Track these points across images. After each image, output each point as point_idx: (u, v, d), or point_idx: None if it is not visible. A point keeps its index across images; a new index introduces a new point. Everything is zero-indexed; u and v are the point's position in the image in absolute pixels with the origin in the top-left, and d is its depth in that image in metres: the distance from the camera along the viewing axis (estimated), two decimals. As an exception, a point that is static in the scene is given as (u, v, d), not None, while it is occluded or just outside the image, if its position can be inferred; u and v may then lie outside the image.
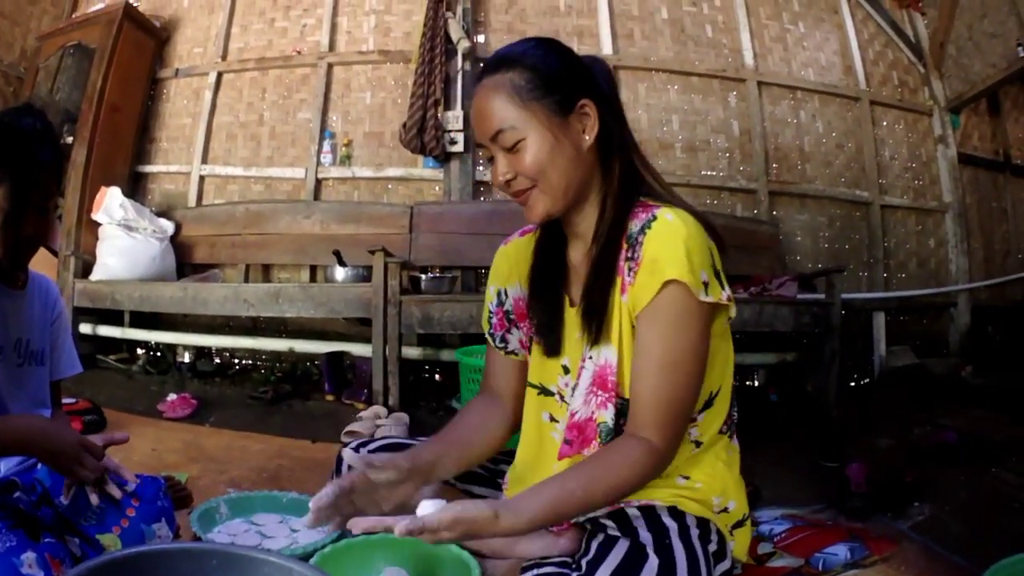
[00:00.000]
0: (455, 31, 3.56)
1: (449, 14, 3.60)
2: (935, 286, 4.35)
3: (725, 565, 1.02)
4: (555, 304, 1.11)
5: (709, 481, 1.03)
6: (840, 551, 1.33)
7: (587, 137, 1.02)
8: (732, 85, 4.02)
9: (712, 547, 0.99)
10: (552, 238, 1.13)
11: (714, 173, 3.91)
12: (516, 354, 1.22)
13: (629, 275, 0.98)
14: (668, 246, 0.94)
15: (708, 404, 1.04)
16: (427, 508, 0.96)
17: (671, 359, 0.95)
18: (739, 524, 1.07)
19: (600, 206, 1.05)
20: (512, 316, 1.21)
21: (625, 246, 1.00)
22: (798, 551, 1.34)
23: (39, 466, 1.23)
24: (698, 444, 1.05)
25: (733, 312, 1.01)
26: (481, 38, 3.73)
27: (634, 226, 1.00)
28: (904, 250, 4.39)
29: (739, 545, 1.07)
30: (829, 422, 3.03)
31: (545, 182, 1.00)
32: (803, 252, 4.08)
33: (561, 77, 1.00)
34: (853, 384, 3.96)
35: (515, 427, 1.22)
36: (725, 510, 1.05)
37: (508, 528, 0.88)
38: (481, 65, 1.07)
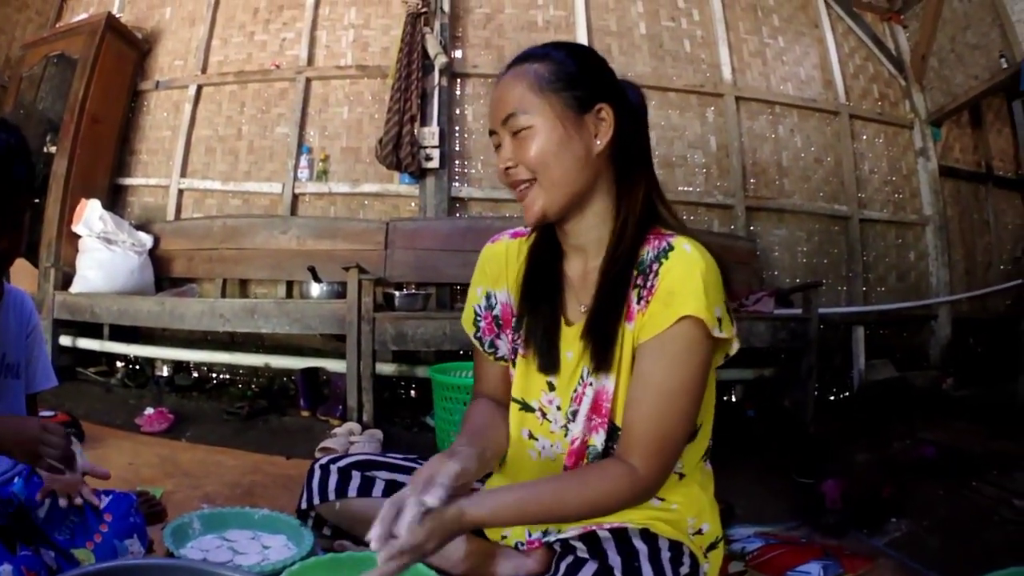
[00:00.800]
0: (432, 46, 3.57)
1: (427, 29, 3.61)
2: (916, 299, 4.36)
3: None
4: (552, 321, 1.08)
5: (685, 503, 1.03)
6: (813, 569, 1.32)
7: (598, 141, 1.00)
8: (710, 100, 4.03)
9: (684, 570, 0.98)
10: (547, 247, 1.11)
11: (691, 189, 3.92)
12: (506, 360, 1.18)
13: (639, 303, 0.97)
14: (686, 280, 0.93)
15: (691, 437, 1.04)
16: (404, 520, 0.93)
17: (669, 389, 0.95)
18: (712, 546, 1.07)
19: (613, 224, 1.03)
20: (500, 322, 1.18)
21: (635, 272, 0.98)
22: (770, 570, 1.33)
23: (15, 480, 1.25)
24: (680, 476, 1.05)
25: (735, 348, 1.00)
26: (459, 53, 3.74)
27: (647, 253, 0.98)
28: (884, 263, 4.40)
29: (712, 568, 1.07)
30: (806, 438, 3.04)
31: (546, 177, 0.98)
32: (781, 267, 4.10)
33: (585, 76, 1.00)
34: (832, 398, 3.98)
35: None
36: (699, 532, 1.05)
37: (473, 521, 0.89)
38: (510, 60, 1.06)
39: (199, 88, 3.92)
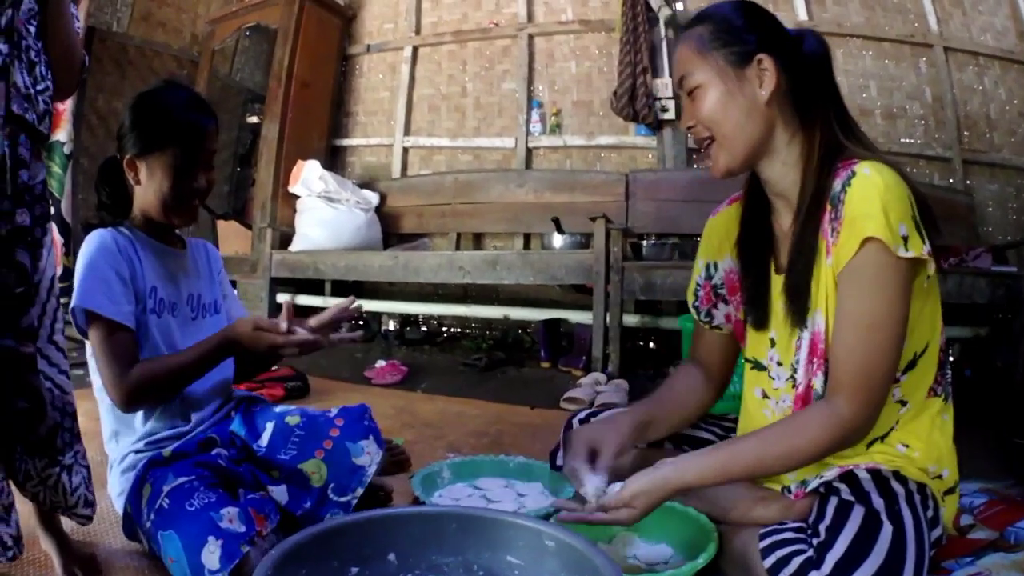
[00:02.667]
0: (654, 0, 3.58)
1: (647, -18, 3.62)
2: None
3: (937, 532, 1.02)
4: (762, 275, 1.11)
5: (927, 449, 1.03)
6: None
7: (763, 91, 1.02)
8: (921, 51, 3.98)
9: (929, 513, 0.99)
10: (757, 205, 1.13)
11: (912, 141, 3.88)
12: (720, 328, 1.24)
13: (833, 236, 0.97)
14: (865, 202, 0.93)
15: (911, 365, 1.02)
16: (593, 482, 1.03)
17: (868, 321, 0.93)
18: (950, 491, 1.07)
19: (803, 166, 1.04)
20: (721, 290, 1.21)
21: (829, 207, 0.99)
22: (993, 524, 1.35)
23: (233, 416, 1.27)
24: (903, 404, 1.03)
25: (932, 269, 0.96)
26: (680, 6, 3.74)
27: (836, 185, 0.98)
28: (1089, 222, 4.30)
29: (948, 512, 1.07)
30: (1018, 398, 3.00)
31: (720, 132, 1.03)
32: (994, 223, 4.03)
33: (741, 31, 1.04)
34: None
35: (719, 394, 1.27)
36: (939, 477, 1.04)
37: (677, 487, 0.95)
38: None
39: (415, 49, 3.97)
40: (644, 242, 3.26)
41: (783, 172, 1.06)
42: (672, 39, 3.62)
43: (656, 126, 3.56)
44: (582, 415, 1.30)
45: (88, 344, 1.17)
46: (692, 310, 1.26)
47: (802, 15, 3.79)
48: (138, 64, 4.35)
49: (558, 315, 3.37)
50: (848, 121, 1.06)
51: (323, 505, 1.13)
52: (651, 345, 3.63)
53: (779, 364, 1.10)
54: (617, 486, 1.00)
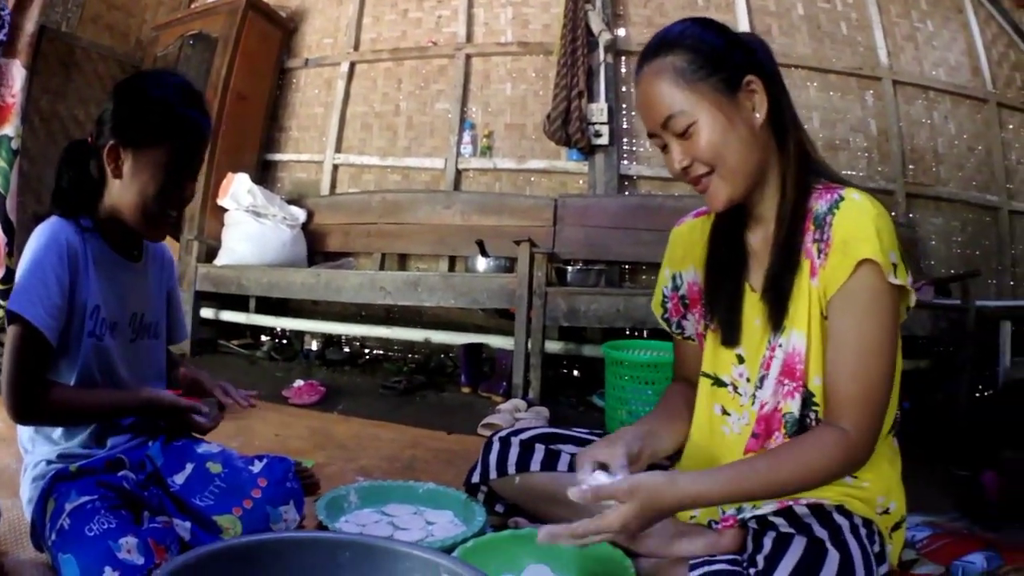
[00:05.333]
0: (596, 23, 3.52)
1: (588, 6, 3.56)
2: (1059, 295, 4.20)
3: (884, 569, 0.98)
4: (734, 291, 1.07)
5: (876, 480, 1.00)
6: (977, 560, 1.33)
7: (758, 115, 0.98)
8: (868, 83, 3.94)
9: (875, 548, 0.96)
10: (730, 221, 1.09)
11: (854, 173, 3.82)
12: (693, 339, 1.20)
13: (820, 257, 0.95)
14: (859, 226, 0.91)
15: None
16: (600, 479, 0.95)
17: (867, 346, 0.92)
18: (897, 526, 1.04)
19: (780, 186, 1.01)
20: (687, 301, 1.18)
21: (812, 227, 0.97)
22: (939, 558, 1.35)
23: (151, 443, 1.20)
24: None
25: (912, 301, 0.97)
26: (621, 31, 3.68)
27: (820, 207, 0.96)
28: (1032, 257, 4.25)
29: (895, 548, 1.04)
30: (960, 431, 2.95)
31: (723, 166, 0.97)
32: (937, 256, 3.98)
33: (723, 54, 0.97)
34: (977, 395, 3.85)
35: None
36: (887, 511, 1.01)
37: (686, 493, 0.89)
38: (641, 51, 1.03)
39: (352, 65, 3.90)
40: (569, 268, 3.18)
41: (768, 194, 1.03)
42: (610, 64, 3.57)
43: (588, 151, 3.49)
44: (503, 434, 1.26)
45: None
46: (663, 322, 1.23)
47: (746, 44, 3.73)
48: (84, 67, 4.27)
49: (480, 340, 3.29)
50: (808, 136, 1.05)
51: None
52: (575, 372, 3.54)
53: (747, 380, 1.07)
54: (602, 475, 0.93)
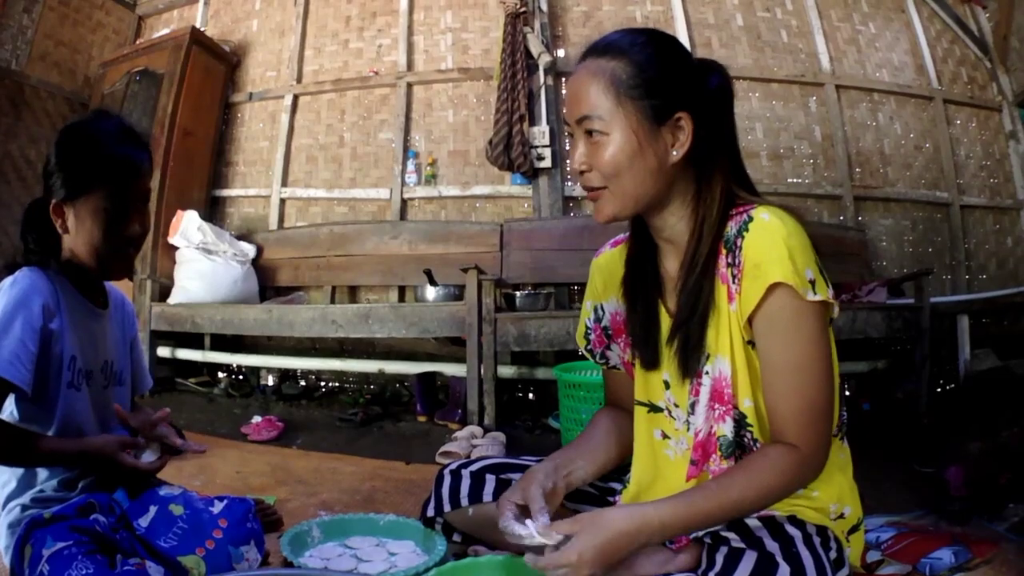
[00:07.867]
0: (535, 46, 3.53)
1: (527, 29, 3.57)
2: (1014, 285, 4.24)
3: (844, 573, 0.99)
4: (650, 316, 1.07)
5: (826, 488, 1.00)
6: (945, 555, 1.35)
7: (675, 153, 0.97)
8: (811, 90, 3.96)
9: (832, 554, 0.96)
10: (643, 247, 1.09)
11: (800, 180, 3.85)
12: (618, 368, 1.20)
13: (734, 283, 0.95)
14: (768, 248, 0.90)
15: None
16: (520, 531, 0.95)
17: (799, 362, 0.92)
18: (854, 529, 1.05)
19: (693, 213, 1.01)
20: (610, 332, 1.18)
21: (724, 251, 0.96)
22: (905, 557, 1.36)
23: (116, 490, 1.21)
24: None
25: (836, 312, 0.97)
26: (561, 52, 3.69)
27: (731, 229, 0.96)
28: (984, 251, 4.30)
29: (854, 551, 1.05)
30: (922, 428, 2.97)
31: (617, 186, 0.96)
32: (888, 257, 4.00)
33: (664, 83, 0.95)
34: (939, 390, 3.88)
35: None
36: (841, 516, 1.02)
37: (633, 513, 0.89)
38: (592, 42, 1.01)
39: (295, 98, 3.89)
40: (518, 293, 3.18)
41: (672, 221, 1.02)
42: (551, 86, 3.58)
43: (532, 175, 3.50)
44: (453, 466, 1.26)
45: None
46: (587, 354, 1.23)
47: (686, 57, 3.74)
48: (33, 105, 4.24)
49: (434, 368, 3.30)
50: (740, 166, 1.04)
51: None
52: (529, 396, 3.54)
53: (676, 405, 1.07)
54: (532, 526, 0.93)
